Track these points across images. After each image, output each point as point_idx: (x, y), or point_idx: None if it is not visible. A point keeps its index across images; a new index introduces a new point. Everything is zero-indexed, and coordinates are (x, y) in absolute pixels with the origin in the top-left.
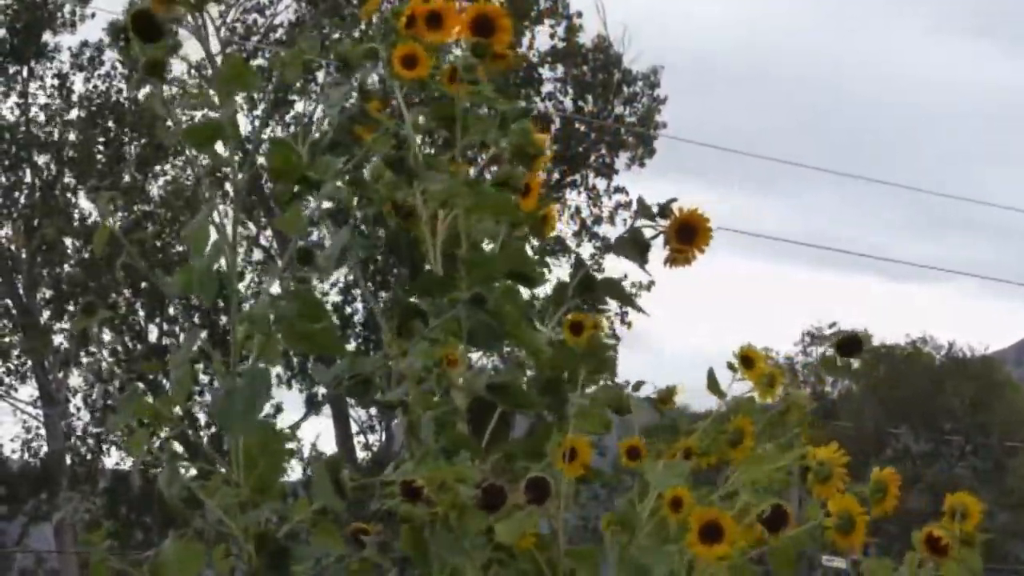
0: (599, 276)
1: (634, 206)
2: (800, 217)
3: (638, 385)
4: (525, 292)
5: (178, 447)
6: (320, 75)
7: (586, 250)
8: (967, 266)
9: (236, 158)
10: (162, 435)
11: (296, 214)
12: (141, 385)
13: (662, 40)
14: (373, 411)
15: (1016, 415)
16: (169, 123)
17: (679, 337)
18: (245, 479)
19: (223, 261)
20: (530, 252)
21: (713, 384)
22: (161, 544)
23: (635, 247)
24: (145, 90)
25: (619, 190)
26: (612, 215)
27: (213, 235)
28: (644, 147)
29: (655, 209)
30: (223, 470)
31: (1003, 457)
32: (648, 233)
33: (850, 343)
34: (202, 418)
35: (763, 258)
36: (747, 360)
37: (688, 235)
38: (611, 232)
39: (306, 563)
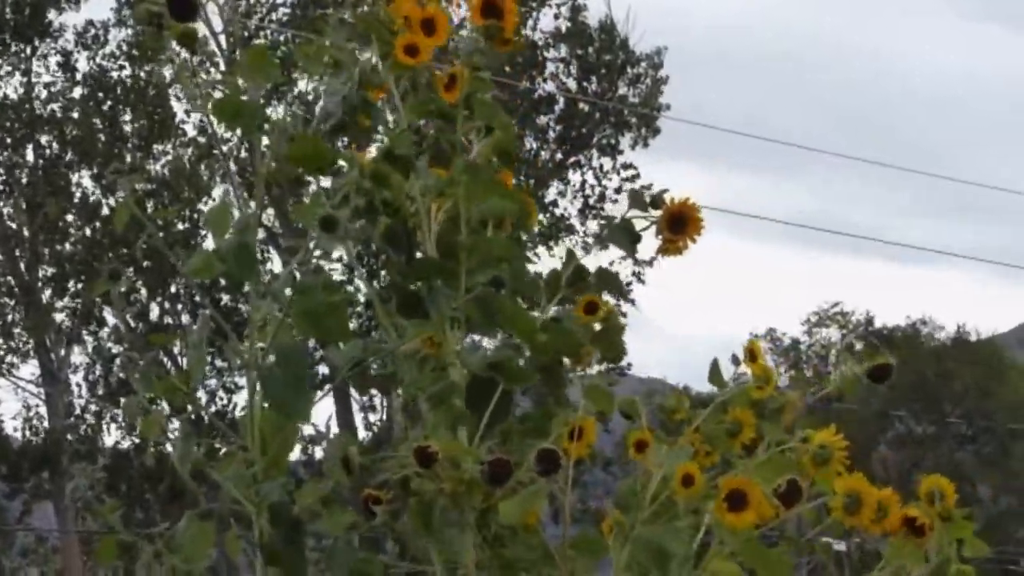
0: (595, 266)
1: (638, 185)
2: (805, 199)
3: (623, 371)
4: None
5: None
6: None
7: (592, 227)
8: (972, 250)
9: (263, 141)
10: (174, 411)
11: (314, 205)
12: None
13: (666, 21)
14: (374, 390)
15: (1019, 399)
16: (193, 95)
17: (685, 319)
18: (260, 454)
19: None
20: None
21: (715, 374)
22: (176, 524)
23: (625, 237)
24: (150, 67)
25: (627, 166)
26: (619, 189)
27: (234, 215)
28: (647, 128)
29: (647, 199)
30: (234, 446)
31: (1007, 441)
32: (641, 224)
33: (880, 372)
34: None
35: (767, 240)
36: (751, 354)
37: (679, 225)
38: (616, 211)
39: (319, 538)
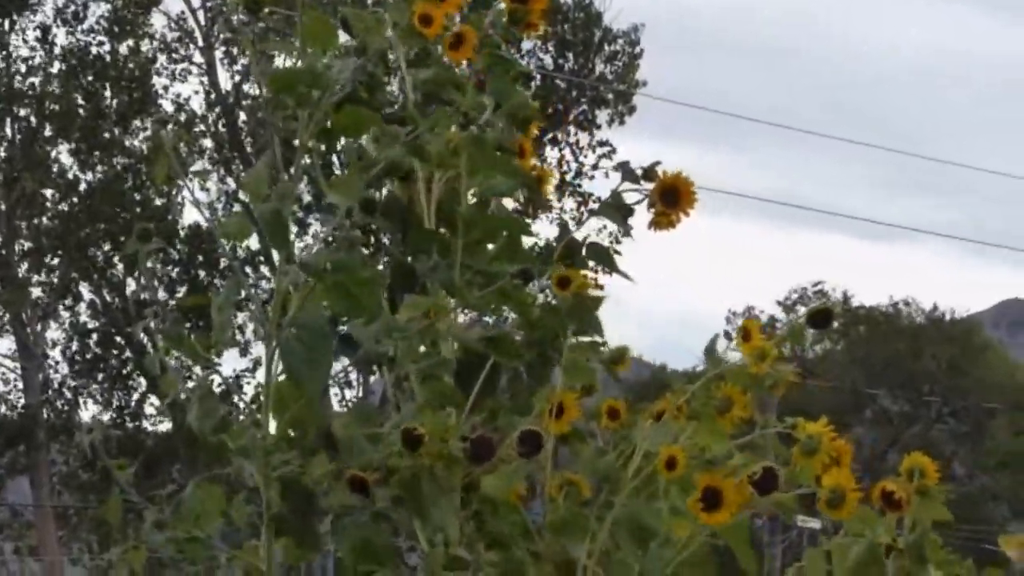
0: (586, 240)
1: (616, 162)
2: (782, 177)
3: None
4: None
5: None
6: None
7: (568, 204)
8: (947, 228)
9: (308, 112)
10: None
11: (353, 180)
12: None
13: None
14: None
15: (994, 377)
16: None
17: (660, 295)
18: (275, 424)
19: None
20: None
21: (711, 351)
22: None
23: (618, 211)
24: (131, 42)
25: (602, 143)
26: (595, 166)
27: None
28: (624, 105)
29: (639, 172)
30: (248, 415)
31: (982, 419)
32: (632, 197)
33: (820, 316)
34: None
35: (744, 218)
36: (746, 332)
37: (672, 198)
38: (592, 187)
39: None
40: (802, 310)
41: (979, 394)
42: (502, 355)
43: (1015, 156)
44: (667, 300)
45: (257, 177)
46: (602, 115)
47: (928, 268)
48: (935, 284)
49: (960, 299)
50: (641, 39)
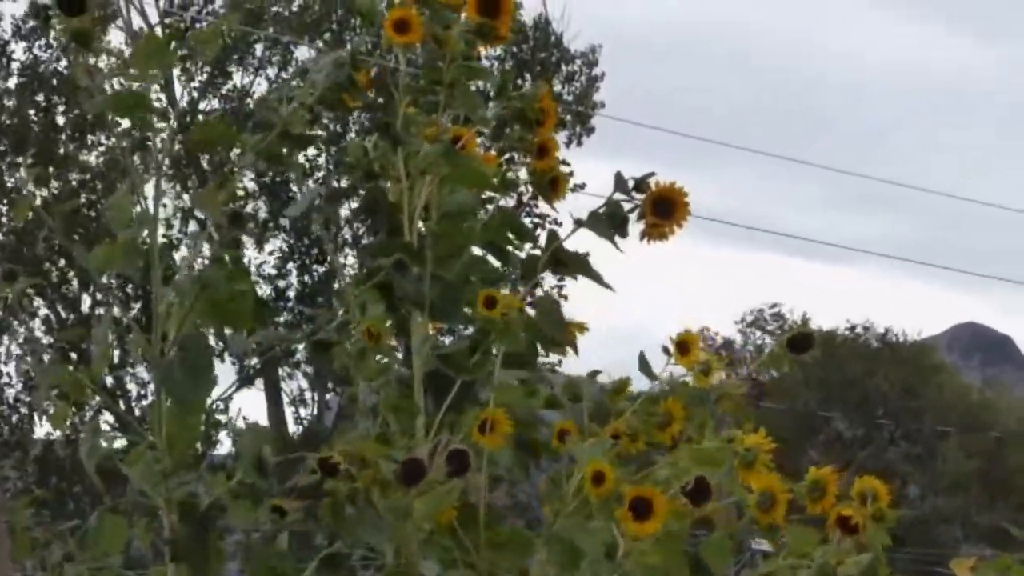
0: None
1: (575, 178)
2: (734, 198)
3: (594, 373)
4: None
5: (104, 419)
6: (259, 48)
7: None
8: (905, 251)
9: (162, 130)
10: (87, 407)
11: (212, 193)
12: (64, 355)
13: (600, 19)
14: (305, 384)
15: (947, 401)
16: (92, 93)
17: (615, 314)
18: (168, 448)
19: (146, 234)
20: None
21: (645, 366)
22: (89, 518)
23: (609, 223)
24: (72, 59)
25: (561, 163)
26: None
27: (136, 208)
28: (582, 127)
29: (631, 183)
30: (141, 440)
31: (934, 442)
32: (624, 208)
33: (801, 341)
34: (134, 390)
35: (698, 239)
36: (683, 346)
37: (665, 209)
38: (546, 208)
39: (230, 536)
40: (759, 333)
41: (931, 417)
42: (458, 373)
43: (979, 181)
44: (622, 319)
45: (119, 203)
46: (560, 136)
47: (883, 291)
48: (890, 307)
49: (915, 322)
50: (600, 60)
